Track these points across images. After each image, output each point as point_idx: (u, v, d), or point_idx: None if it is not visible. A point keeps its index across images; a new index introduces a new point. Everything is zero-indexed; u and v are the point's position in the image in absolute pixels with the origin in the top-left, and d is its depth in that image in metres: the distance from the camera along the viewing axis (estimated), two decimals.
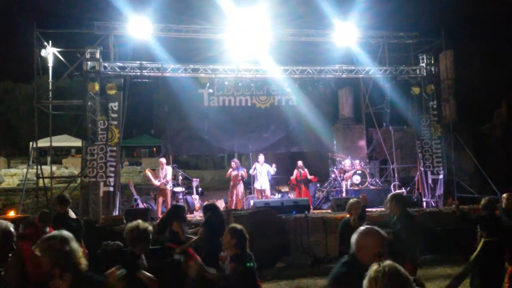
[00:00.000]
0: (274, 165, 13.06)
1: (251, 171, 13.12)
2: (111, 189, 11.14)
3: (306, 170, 13.70)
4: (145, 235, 4.15)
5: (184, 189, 12.90)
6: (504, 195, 6.65)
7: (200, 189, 13.40)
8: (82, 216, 9.64)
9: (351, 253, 2.91)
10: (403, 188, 13.42)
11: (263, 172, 12.94)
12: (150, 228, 4.25)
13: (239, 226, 4.48)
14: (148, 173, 12.47)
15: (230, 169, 13.06)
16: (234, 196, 12.80)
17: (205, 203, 7.65)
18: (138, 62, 11.89)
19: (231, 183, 12.98)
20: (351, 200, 6.07)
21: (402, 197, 6.24)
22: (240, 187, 12.91)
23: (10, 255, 2.93)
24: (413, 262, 5.45)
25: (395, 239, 5.57)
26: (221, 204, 12.97)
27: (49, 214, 6.01)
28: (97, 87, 11.38)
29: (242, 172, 12.89)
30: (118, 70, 11.69)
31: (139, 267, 4.09)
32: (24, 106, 29.79)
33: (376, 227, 2.96)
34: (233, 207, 12.18)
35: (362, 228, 2.98)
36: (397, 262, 5.42)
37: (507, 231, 5.79)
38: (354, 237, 2.91)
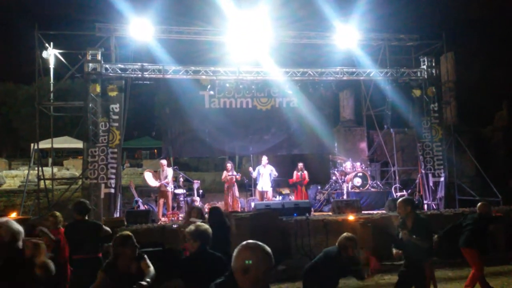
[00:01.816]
0: (273, 169, 13.08)
1: (253, 174, 13.10)
2: (112, 190, 11.14)
3: (305, 172, 13.70)
4: None
5: (185, 191, 12.91)
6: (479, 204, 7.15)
7: (201, 191, 13.38)
8: None
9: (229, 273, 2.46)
10: (404, 191, 13.40)
11: (265, 173, 12.95)
12: None
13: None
14: (147, 173, 12.44)
15: (225, 172, 13.04)
16: (230, 197, 12.80)
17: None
18: (139, 64, 11.90)
19: (226, 185, 12.97)
20: None
21: (413, 201, 6.21)
22: (235, 189, 12.91)
23: None
24: (431, 266, 5.54)
25: (411, 246, 5.58)
26: (221, 206, 12.96)
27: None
28: (98, 88, 11.38)
29: (237, 176, 12.92)
30: (119, 71, 11.70)
31: None
32: (26, 107, 29.79)
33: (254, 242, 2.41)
34: (229, 210, 12.15)
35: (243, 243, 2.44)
36: (416, 267, 5.39)
37: None
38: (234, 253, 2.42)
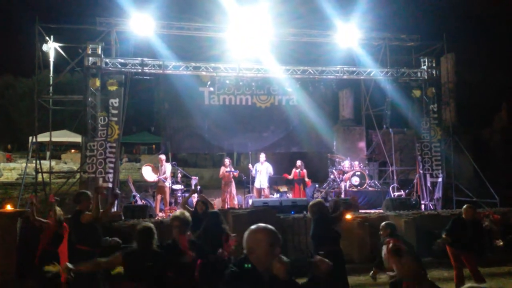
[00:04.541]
0: (270, 167, 13.04)
1: (252, 173, 13.07)
2: (110, 185, 11.13)
3: (304, 170, 13.68)
4: None
5: (183, 186, 12.90)
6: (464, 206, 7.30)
7: (199, 187, 13.36)
8: None
9: (244, 256, 2.80)
10: (401, 191, 13.42)
11: (262, 170, 12.93)
12: None
13: None
14: (145, 168, 12.40)
15: (223, 167, 12.99)
16: (227, 194, 12.75)
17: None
18: (139, 58, 11.87)
19: (223, 182, 12.93)
20: None
21: (394, 226, 6.18)
22: (233, 186, 12.87)
23: None
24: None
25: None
26: (219, 202, 12.95)
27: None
28: (98, 83, 11.37)
29: (235, 173, 12.88)
30: (120, 66, 11.68)
31: None
32: (25, 100, 29.74)
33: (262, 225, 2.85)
34: (226, 207, 12.11)
35: (252, 227, 2.86)
36: None
37: None
38: (244, 238, 2.82)
